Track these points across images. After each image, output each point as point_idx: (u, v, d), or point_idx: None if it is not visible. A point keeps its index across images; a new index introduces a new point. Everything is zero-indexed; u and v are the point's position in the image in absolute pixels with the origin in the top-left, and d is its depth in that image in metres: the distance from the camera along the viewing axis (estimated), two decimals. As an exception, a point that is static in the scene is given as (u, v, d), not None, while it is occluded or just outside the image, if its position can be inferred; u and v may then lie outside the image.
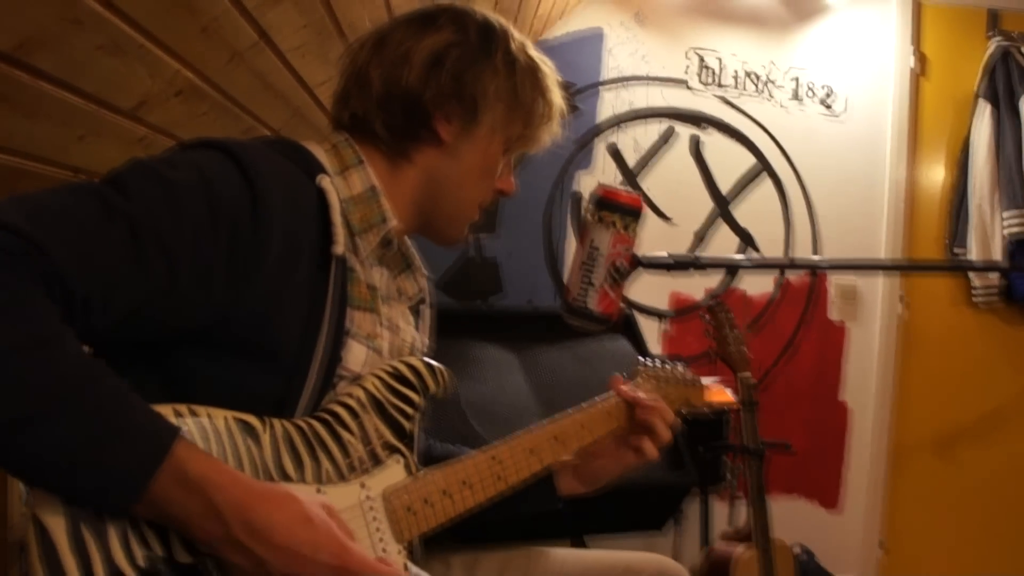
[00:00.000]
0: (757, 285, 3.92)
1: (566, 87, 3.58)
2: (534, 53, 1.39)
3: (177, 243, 1.00)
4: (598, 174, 3.78)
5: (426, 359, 1.30)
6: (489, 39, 1.33)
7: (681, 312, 3.86)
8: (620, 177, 3.80)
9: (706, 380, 3.35)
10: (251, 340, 1.10)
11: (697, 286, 3.88)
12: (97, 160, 1.38)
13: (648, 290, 3.82)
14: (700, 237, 3.87)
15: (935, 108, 4.05)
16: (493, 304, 3.55)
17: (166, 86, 1.35)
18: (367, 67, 1.31)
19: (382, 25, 1.35)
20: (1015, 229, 3.79)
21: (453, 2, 1.37)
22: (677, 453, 2.70)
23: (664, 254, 1.49)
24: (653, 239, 3.75)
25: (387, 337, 1.31)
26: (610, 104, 3.80)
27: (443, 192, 1.35)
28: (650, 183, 3.83)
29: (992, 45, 3.92)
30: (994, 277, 3.87)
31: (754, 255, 3.90)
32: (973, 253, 3.89)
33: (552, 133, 1.43)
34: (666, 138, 3.83)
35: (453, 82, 1.29)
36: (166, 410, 1.00)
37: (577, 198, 3.77)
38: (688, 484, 2.74)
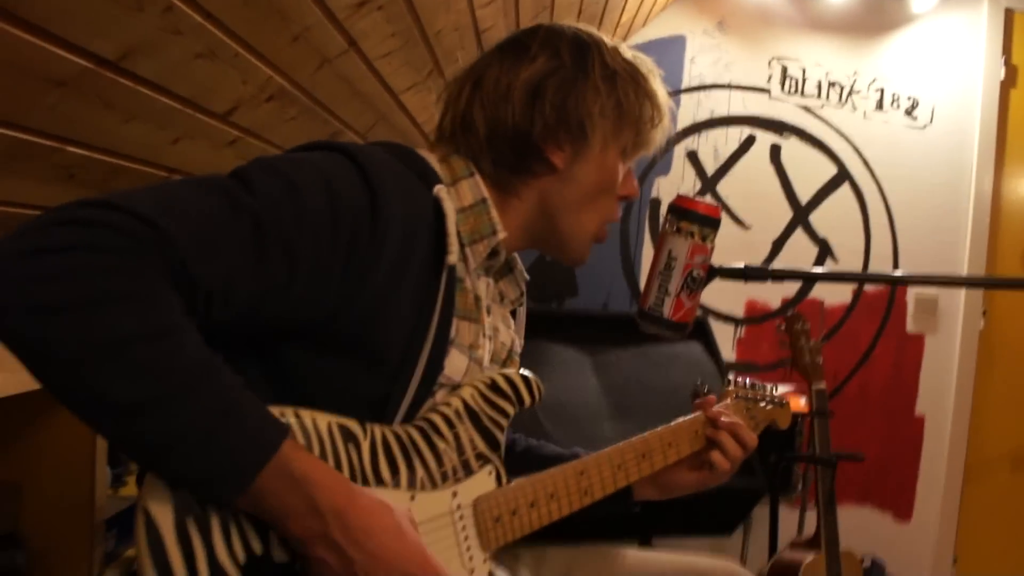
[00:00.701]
0: (835, 295, 3.91)
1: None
2: (629, 55, 1.37)
3: (297, 242, 1.03)
4: (676, 180, 3.80)
5: (523, 372, 1.31)
6: (584, 57, 1.31)
7: (756, 319, 3.86)
8: (699, 183, 3.81)
9: (781, 388, 3.37)
10: (358, 341, 1.13)
11: (773, 293, 3.88)
12: (190, 161, 1.45)
13: (723, 295, 3.84)
14: (778, 245, 3.86)
15: None
16: (568, 306, 3.60)
17: (258, 91, 1.41)
18: (469, 109, 1.31)
19: (476, 62, 1.35)
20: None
21: (540, 24, 1.37)
22: (748, 460, 2.71)
23: (740, 264, 1.51)
24: (730, 246, 3.77)
25: (487, 347, 1.32)
26: (691, 111, 3.82)
27: (561, 216, 1.35)
28: (729, 190, 3.84)
29: (1084, 56, 3.85)
30: (1079, 293, 3.81)
31: (829, 267, 3.89)
32: (1058, 268, 3.83)
33: (665, 131, 1.41)
34: (746, 145, 3.84)
35: (557, 111, 1.28)
36: (273, 411, 1.03)
37: (655, 203, 3.80)
38: (758, 491, 2.76)
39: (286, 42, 1.33)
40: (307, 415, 1.08)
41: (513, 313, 1.49)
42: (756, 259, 3.85)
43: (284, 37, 1.31)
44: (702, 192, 3.81)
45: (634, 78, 1.35)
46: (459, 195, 1.28)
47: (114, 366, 0.87)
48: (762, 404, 1.72)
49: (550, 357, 2.67)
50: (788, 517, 3.51)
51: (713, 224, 1.42)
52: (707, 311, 3.77)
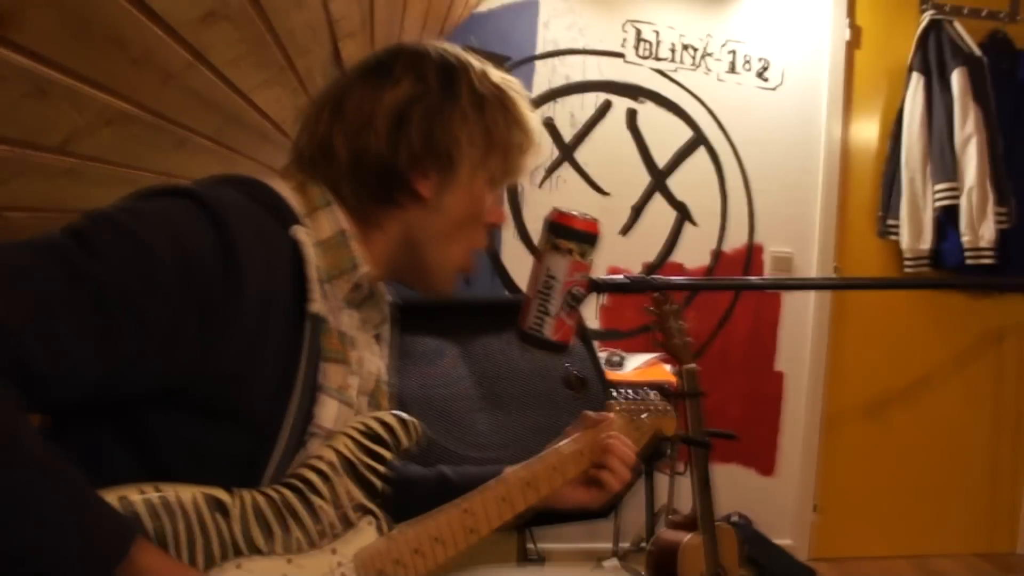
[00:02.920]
0: (694, 257, 3.94)
1: (500, 60, 3.53)
2: (498, 78, 1.29)
3: (145, 307, 0.95)
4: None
5: (398, 414, 1.25)
6: (451, 81, 1.24)
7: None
8: (556, 151, 3.77)
9: (648, 356, 3.39)
10: (220, 401, 1.05)
11: (635, 258, 3.88)
12: (22, 196, 1.33)
13: (586, 264, 3.83)
14: (637, 211, 3.87)
15: (869, 80, 4.09)
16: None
17: (95, 118, 1.30)
18: (329, 136, 1.22)
19: (336, 83, 1.27)
20: (945, 201, 3.85)
21: (402, 44, 1.29)
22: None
23: (621, 277, 1.47)
24: (590, 212, 3.71)
25: (355, 384, 1.25)
26: (546, 78, 3.76)
27: (427, 247, 1.28)
28: (587, 157, 3.81)
29: (925, 18, 3.95)
30: (925, 248, 3.94)
31: (687, 230, 3.92)
32: (904, 223, 3.96)
33: (535, 157, 1.35)
34: (602, 111, 3.81)
35: (423, 139, 1.21)
36: (133, 492, 0.97)
37: (514, 173, 3.75)
38: (634, 474, 2.77)
39: (125, 66, 1.22)
40: (169, 489, 1.01)
41: (377, 337, 1.41)
42: (616, 225, 3.85)
43: (122, 62, 1.20)
44: (559, 160, 3.77)
45: (503, 103, 1.28)
46: (316, 227, 1.18)
47: None
48: (645, 415, 1.70)
49: (414, 349, 2.60)
50: (660, 482, 3.56)
51: (591, 240, 1.37)
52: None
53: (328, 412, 1.17)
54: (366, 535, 1.21)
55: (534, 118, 1.32)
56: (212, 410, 1.05)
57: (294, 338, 1.11)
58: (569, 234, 1.35)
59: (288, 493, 1.12)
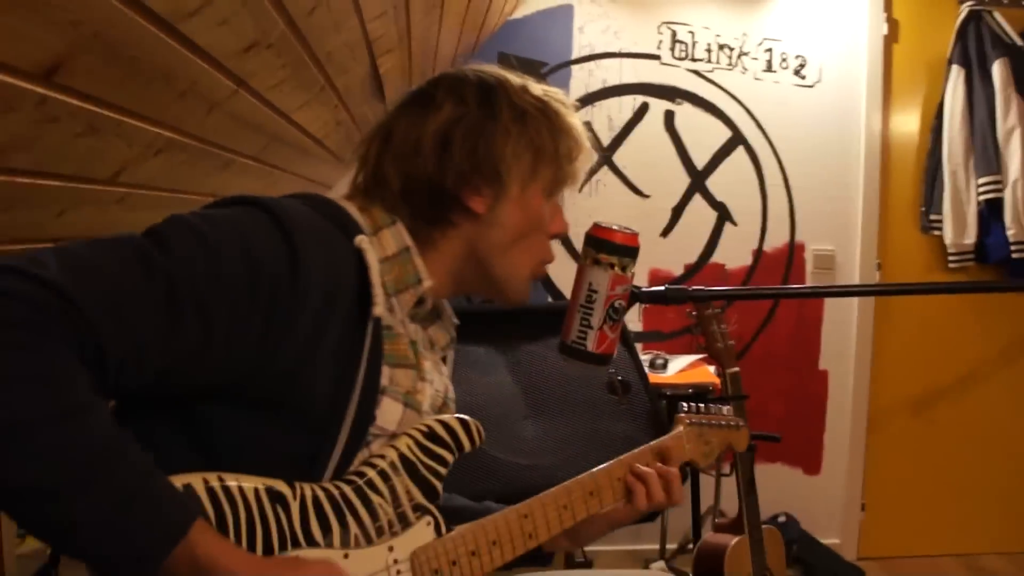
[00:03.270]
0: (735, 257, 3.94)
1: (537, 66, 3.54)
2: (538, 91, 1.33)
3: (214, 304, 1.00)
4: (573, 152, 3.75)
5: (460, 416, 1.28)
6: (490, 100, 1.27)
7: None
8: (594, 156, 3.77)
9: (691, 358, 3.39)
10: (281, 399, 1.09)
11: (675, 260, 3.88)
12: (78, 228, 1.36)
13: (626, 266, 3.83)
14: (677, 212, 3.87)
15: (908, 74, 4.05)
16: (473, 302, 3.55)
17: (144, 149, 1.33)
18: (380, 165, 1.28)
19: (385, 117, 1.31)
20: (989, 195, 3.81)
21: (444, 72, 1.33)
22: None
23: (660, 288, 1.48)
24: (630, 215, 3.76)
25: (428, 392, 1.28)
26: (582, 82, 3.77)
27: (492, 260, 1.31)
28: (625, 159, 3.82)
29: (964, 9, 3.91)
30: (969, 242, 3.90)
31: (728, 230, 3.91)
32: (948, 218, 3.92)
33: (586, 162, 1.37)
34: (640, 114, 3.81)
35: (469, 158, 1.24)
36: (197, 480, 1.01)
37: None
38: (681, 469, 2.77)
39: (172, 99, 1.26)
40: (232, 480, 1.04)
41: (443, 359, 1.44)
42: (656, 227, 3.85)
43: (170, 95, 1.24)
44: (599, 164, 3.77)
45: (545, 114, 1.31)
46: (382, 244, 1.24)
47: (17, 451, 0.84)
48: (716, 429, 1.69)
49: (461, 358, 2.61)
50: (706, 483, 3.56)
51: (632, 253, 1.39)
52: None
53: (391, 414, 1.20)
54: (424, 534, 1.23)
55: (579, 125, 1.35)
56: (271, 407, 1.09)
57: (356, 341, 1.14)
58: (609, 248, 1.36)
59: (348, 489, 1.15)
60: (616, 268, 1.36)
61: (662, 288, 1.45)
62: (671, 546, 3.59)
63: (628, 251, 1.38)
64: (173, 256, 0.98)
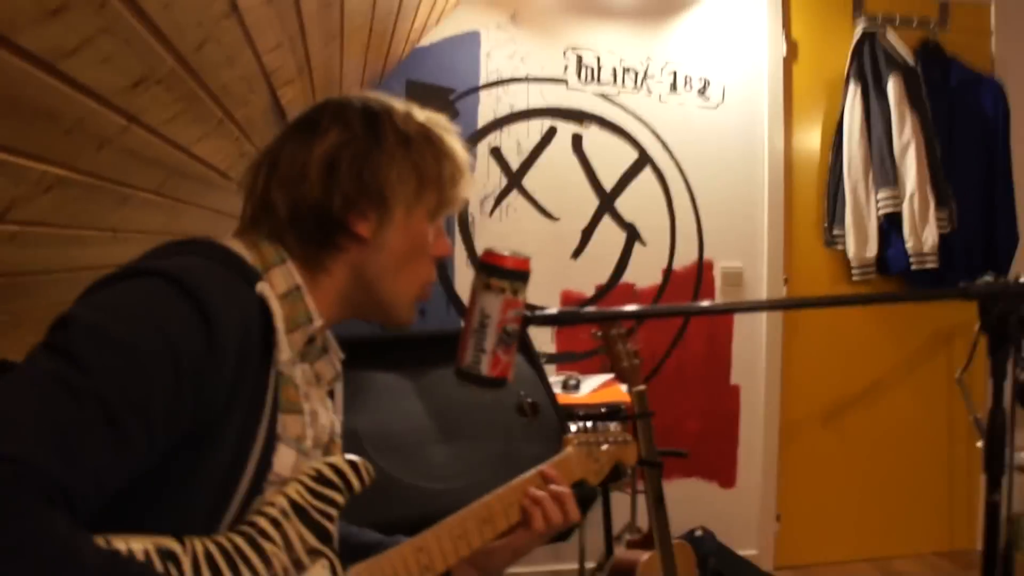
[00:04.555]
0: (645, 277, 3.99)
1: (445, 93, 3.56)
2: (423, 117, 1.35)
3: (148, 406, 0.99)
4: (482, 177, 3.78)
5: (349, 457, 1.27)
6: (375, 125, 1.29)
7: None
8: (504, 179, 3.80)
9: (603, 378, 3.42)
10: (193, 458, 1.09)
11: (586, 281, 3.92)
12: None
13: (538, 289, 3.85)
14: (587, 234, 3.91)
15: (808, 92, 4.17)
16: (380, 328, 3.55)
17: (33, 187, 1.32)
18: (267, 192, 1.28)
19: (271, 144, 1.32)
20: (888, 208, 3.93)
21: (328, 98, 1.35)
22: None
23: (553, 310, 1.50)
24: (542, 239, 3.79)
25: (311, 435, 1.28)
26: (490, 107, 3.80)
27: (378, 283, 1.33)
28: (534, 183, 3.85)
29: (858, 28, 4.04)
30: (870, 255, 4.01)
31: (637, 250, 3.96)
32: (850, 232, 4.03)
33: (468, 187, 1.40)
34: (548, 137, 3.85)
35: (354, 181, 1.26)
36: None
37: (464, 204, 3.76)
38: (592, 496, 2.79)
39: (59, 136, 1.24)
40: (120, 542, 1.01)
41: (330, 392, 1.44)
42: (566, 249, 3.89)
43: (55, 133, 1.22)
44: (508, 187, 3.80)
45: (429, 139, 1.33)
46: (272, 283, 1.23)
47: None
48: (604, 447, 1.72)
49: (370, 385, 2.62)
50: (620, 501, 3.59)
51: (523, 277, 1.41)
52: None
53: (286, 460, 1.19)
54: None
55: (462, 150, 1.38)
56: (180, 466, 1.08)
57: (259, 391, 1.15)
58: (500, 273, 1.38)
59: (239, 540, 1.13)
60: (507, 292, 1.38)
61: (554, 312, 1.47)
62: (590, 565, 3.62)
63: (519, 275, 1.40)
64: (93, 373, 0.96)
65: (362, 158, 1.27)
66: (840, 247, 4.10)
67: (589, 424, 1.76)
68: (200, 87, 1.59)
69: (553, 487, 1.53)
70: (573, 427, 1.75)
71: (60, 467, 0.90)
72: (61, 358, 0.97)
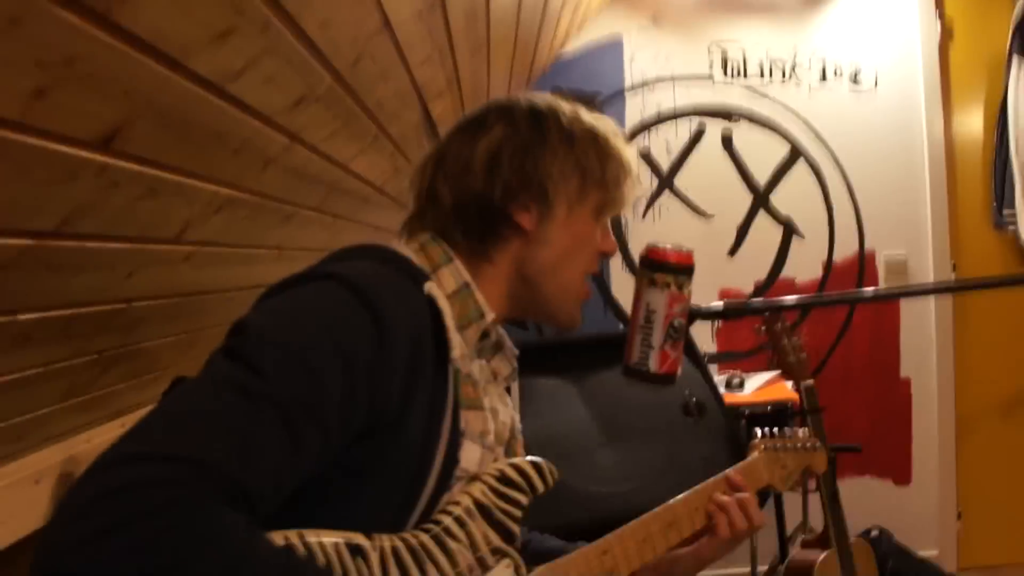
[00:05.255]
0: (805, 271, 3.90)
1: (591, 98, 3.57)
2: (588, 118, 1.37)
3: (322, 408, 1.03)
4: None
5: (533, 459, 1.28)
6: (539, 122, 1.32)
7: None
8: (655, 181, 3.78)
9: (768, 375, 3.36)
10: (377, 459, 1.12)
11: (744, 278, 3.86)
12: (145, 288, 1.41)
13: (695, 288, 3.81)
14: (742, 231, 3.85)
15: (966, 71, 4.00)
16: (542, 332, 3.58)
17: (205, 207, 1.37)
18: (434, 184, 1.33)
19: (439, 142, 1.37)
20: (1061, 184, 3.74)
21: (496, 98, 1.38)
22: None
23: (718, 304, 1.48)
24: (695, 237, 3.75)
25: (493, 430, 1.31)
26: (637, 110, 3.79)
27: (541, 278, 1.34)
28: (686, 183, 3.82)
29: (1020, 3, 3.84)
30: (1045, 235, 3.82)
31: (796, 243, 3.87)
32: (1021, 212, 3.83)
33: (634, 188, 1.40)
34: (697, 136, 3.82)
35: (516, 174, 1.29)
36: (277, 536, 1.03)
37: (616, 207, 3.77)
38: (764, 494, 2.74)
39: (227, 157, 1.29)
40: (312, 536, 1.06)
41: (508, 390, 1.47)
42: (722, 247, 3.84)
43: (224, 154, 1.27)
44: (660, 189, 3.78)
45: (594, 140, 1.35)
46: (442, 283, 1.26)
47: None
48: (793, 451, 1.68)
49: (532, 391, 2.63)
50: (793, 501, 3.51)
51: (687, 271, 1.40)
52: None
53: (472, 456, 1.22)
54: None
55: (628, 151, 1.39)
56: (365, 464, 1.12)
57: (439, 389, 1.17)
58: (664, 268, 1.38)
59: (425, 538, 1.15)
60: (672, 287, 1.38)
61: (720, 304, 1.45)
62: (762, 568, 3.54)
63: (683, 270, 1.39)
64: (268, 378, 1.00)
65: (524, 152, 1.30)
66: (1012, 228, 3.91)
67: (776, 429, 1.72)
68: (356, 103, 1.63)
69: (739, 494, 1.52)
70: (759, 432, 1.71)
71: (239, 468, 0.94)
72: (238, 363, 1.02)
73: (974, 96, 4.03)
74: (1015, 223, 3.88)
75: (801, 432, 1.73)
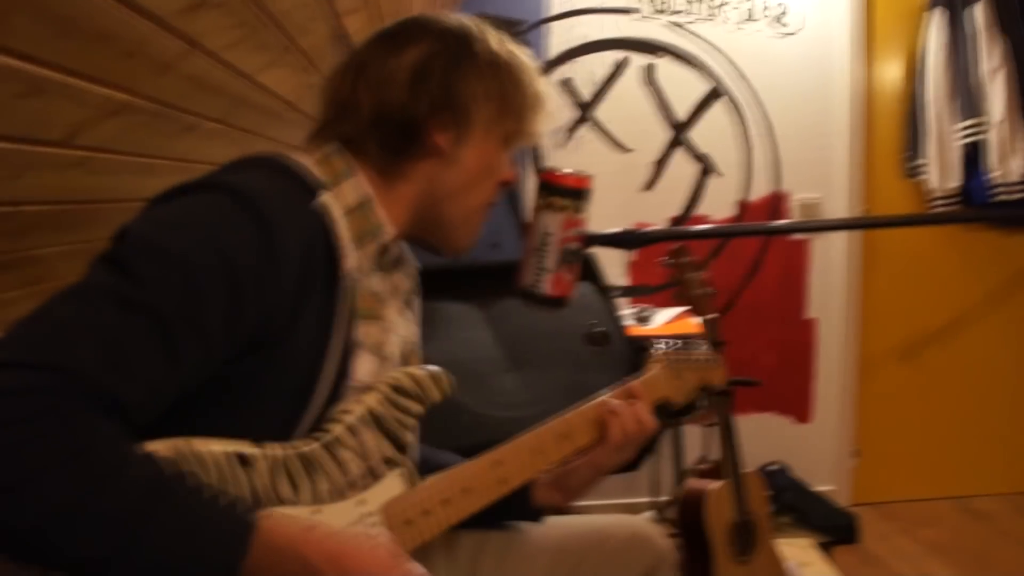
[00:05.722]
0: (719, 209, 3.93)
1: (514, 24, 3.52)
2: (512, 47, 1.38)
3: (204, 319, 1.02)
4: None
5: (429, 367, 1.30)
6: (468, 42, 1.32)
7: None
8: (576, 111, 3.77)
9: (677, 310, 3.40)
10: (264, 367, 1.12)
11: (659, 213, 3.86)
12: (36, 190, 1.37)
13: (610, 220, 3.82)
14: (660, 166, 3.86)
15: (890, 19, 4.03)
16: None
17: (97, 111, 1.34)
18: (353, 94, 1.31)
19: (357, 49, 1.35)
20: (972, 137, 3.80)
21: (423, 13, 1.37)
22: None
23: (616, 230, 1.49)
24: (614, 171, 3.76)
25: (395, 341, 1.32)
26: (562, 38, 3.74)
27: (447, 199, 1.35)
28: (607, 115, 3.80)
29: (944, -48, 3.88)
30: (954, 185, 3.89)
31: (712, 180, 3.90)
32: (932, 162, 3.90)
33: (546, 123, 1.42)
34: (620, 68, 3.80)
35: (442, 91, 1.28)
36: (165, 446, 1.02)
37: (535, 136, 3.74)
38: (685, 412, 2.79)
39: (119, 59, 1.25)
40: (200, 444, 1.06)
41: (408, 304, 1.48)
42: (639, 181, 3.85)
43: (115, 55, 1.24)
44: (580, 119, 3.76)
45: (517, 68, 1.36)
46: (342, 196, 1.25)
47: (73, 527, 0.87)
48: (692, 364, 1.71)
49: (440, 315, 2.64)
50: (692, 433, 3.59)
51: (583, 195, 1.41)
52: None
53: (365, 367, 1.23)
54: (395, 486, 1.25)
55: (545, 85, 1.41)
56: (254, 374, 1.12)
57: (331, 299, 1.18)
58: (561, 191, 1.38)
59: (316, 446, 1.17)
60: (568, 211, 1.38)
61: (617, 231, 1.46)
62: (662, 498, 3.63)
63: (579, 193, 1.39)
64: (147, 286, 0.99)
65: (453, 69, 1.30)
66: (922, 177, 3.98)
67: (678, 342, 1.74)
68: (259, 11, 1.59)
69: (631, 400, 1.54)
70: (661, 345, 1.73)
71: (111, 377, 0.93)
72: (116, 270, 1.01)
73: (895, 46, 4.06)
74: (925, 172, 3.96)
75: (703, 347, 1.76)
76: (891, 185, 4.08)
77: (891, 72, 4.08)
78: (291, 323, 1.12)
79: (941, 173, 3.90)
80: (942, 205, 3.94)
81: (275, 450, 1.12)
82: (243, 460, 1.09)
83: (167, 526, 0.92)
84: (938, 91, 3.87)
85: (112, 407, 0.93)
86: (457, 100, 1.30)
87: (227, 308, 1.04)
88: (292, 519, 1.07)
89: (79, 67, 1.19)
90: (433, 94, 1.28)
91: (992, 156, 3.77)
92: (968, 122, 3.80)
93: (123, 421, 0.94)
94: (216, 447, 1.07)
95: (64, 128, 1.30)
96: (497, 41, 1.36)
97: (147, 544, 0.91)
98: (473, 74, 1.31)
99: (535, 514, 1.58)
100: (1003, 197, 3.77)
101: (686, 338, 1.85)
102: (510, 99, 1.35)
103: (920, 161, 3.97)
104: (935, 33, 3.88)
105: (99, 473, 0.89)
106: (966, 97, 3.81)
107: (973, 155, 3.85)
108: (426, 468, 1.35)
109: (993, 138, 3.76)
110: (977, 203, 3.90)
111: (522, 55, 1.39)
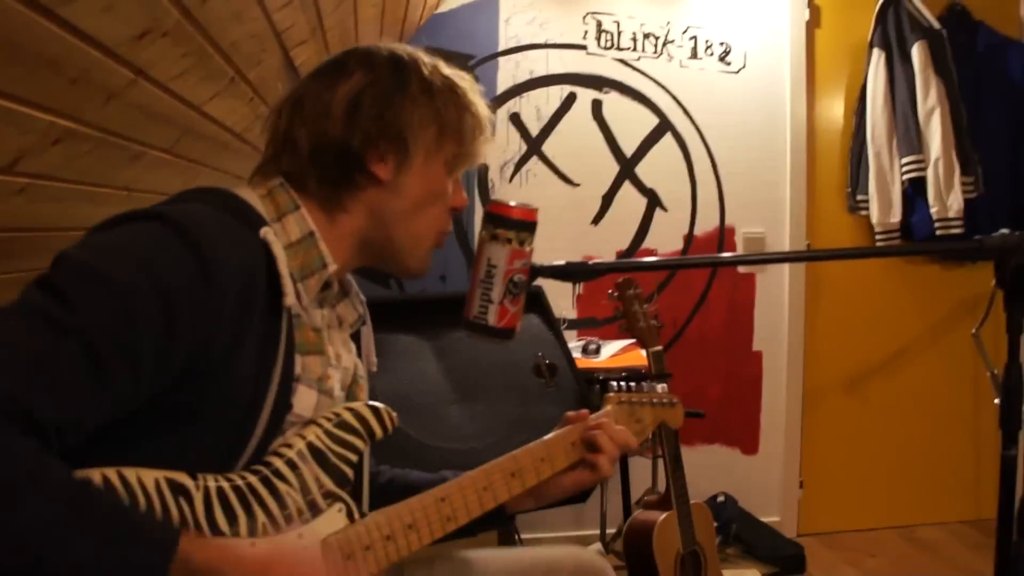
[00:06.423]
0: (666, 243, 3.97)
1: (463, 59, 3.55)
2: (448, 71, 1.38)
3: (134, 345, 1.01)
4: (502, 143, 3.77)
5: (371, 404, 1.29)
6: (400, 71, 1.32)
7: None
8: (524, 145, 3.79)
9: (624, 343, 3.42)
10: (202, 399, 1.11)
11: (607, 247, 3.90)
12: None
13: (558, 253, 3.84)
14: (607, 200, 3.90)
15: (830, 58, 4.13)
16: (403, 290, 3.57)
17: (41, 138, 1.33)
18: (290, 129, 1.31)
19: (295, 85, 1.35)
20: (912, 174, 3.89)
21: (356, 45, 1.38)
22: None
23: (561, 262, 1.50)
24: (562, 205, 3.80)
25: (336, 376, 1.32)
26: (510, 73, 3.78)
27: (394, 226, 1.35)
28: (554, 149, 3.84)
29: (882, -7, 3.99)
30: (895, 221, 3.97)
31: (659, 216, 3.95)
32: (873, 198, 3.98)
33: (487, 143, 1.42)
34: (568, 103, 3.83)
35: (376, 122, 1.29)
36: (94, 473, 1.01)
37: (483, 168, 3.77)
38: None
39: (64, 86, 1.25)
40: (131, 473, 1.05)
41: (356, 336, 1.48)
42: (587, 215, 3.88)
43: (61, 82, 1.23)
44: (528, 153, 3.79)
45: (452, 91, 1.36)
46: (286, 231, 1.26)
47: None
48: (648, 406, 1.70)
49: (388, 347, 2.63)
50: (642, 465, 3.61)
51: (530, 228, 1.41)
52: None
53: (307, 401, 1.23)
54: (335, 521, 1.24)
55: (484, 106, 1.41)
56: (191, 408, 1.11)
57: (271, 334, 1.17)
58: (506, 223, 1.39)
59: (254, 479, 1.16)
60: (514, 243, 1.39)
61: (562, 263, 1.47)
62: (611, 531, 3.63)
63: (525, 226, 1.40)
64: (79, 311, 0.98)
65: (385, 100, 1.30)
66: (864, 213, 4.07)
67: (633, 384, 1.74)
68: (208, 43, 1.59)
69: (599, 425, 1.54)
70: (615, 385, 1.73)
71: (34, 397, 0.92)
72: (49, 294, 1.00)
73: (837, 82, 4.16)
74: (867, 208, 4.04)
75: (660, 387, 1.76)
76: (835, 219, 4.16)
77: (834, 109, 4.17)
78: (228, 354, 1.11)
79: (881, 209, 3.98)
80: (883, 240, 4.02)
81: (211, 481, 1.11)
82: (177, 489, 1.08)
83: (85, 541, 0.91)
84: (878, 129, 3.96)
85: (33, 428, 0.92)
86: (392, 129, 1.30)
87: (160, 336, 1.03)
88: (213, 541, 1.07)
89: (23, 93, 1.18)
90: (367, 125, 1.29)
91: (931, 192, 3.85)
92: (908, 159, 3.88)
93: (44, 441, 0.93)
94: (148, 476, 1.06)
95: (6, 154, 1.29)
96: (431, 68, 1.36)
97: (65, 557, 0.90)
98: (407, 102, 1.31)
99: (504, 520, 1.57)
100: (943, 232, 3.85)
101: (640, 377, 1.85)
102: (448, 123, 1.35)
103: (862, 197, 4.05)
104: (875, 73, 3.97)
105: (17, 484, 0.88)
106: (905, 135, 3.90)
107: (914, 191, 3.94)
108: (394, 487, 1.35)
109: (931, 175, 3.85)
110: (919, 238, 3.98)
111: (459, 79, 1.39)
